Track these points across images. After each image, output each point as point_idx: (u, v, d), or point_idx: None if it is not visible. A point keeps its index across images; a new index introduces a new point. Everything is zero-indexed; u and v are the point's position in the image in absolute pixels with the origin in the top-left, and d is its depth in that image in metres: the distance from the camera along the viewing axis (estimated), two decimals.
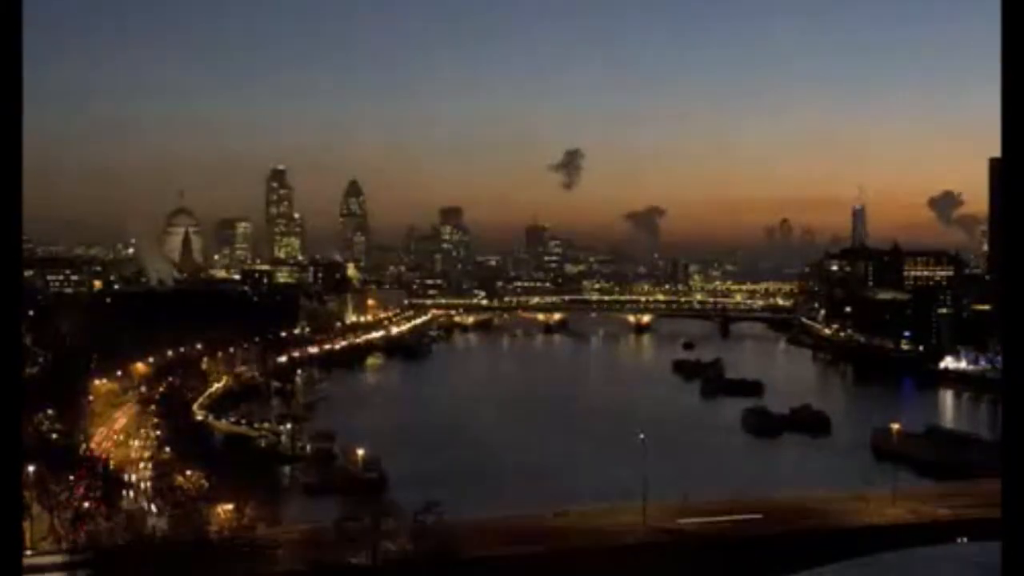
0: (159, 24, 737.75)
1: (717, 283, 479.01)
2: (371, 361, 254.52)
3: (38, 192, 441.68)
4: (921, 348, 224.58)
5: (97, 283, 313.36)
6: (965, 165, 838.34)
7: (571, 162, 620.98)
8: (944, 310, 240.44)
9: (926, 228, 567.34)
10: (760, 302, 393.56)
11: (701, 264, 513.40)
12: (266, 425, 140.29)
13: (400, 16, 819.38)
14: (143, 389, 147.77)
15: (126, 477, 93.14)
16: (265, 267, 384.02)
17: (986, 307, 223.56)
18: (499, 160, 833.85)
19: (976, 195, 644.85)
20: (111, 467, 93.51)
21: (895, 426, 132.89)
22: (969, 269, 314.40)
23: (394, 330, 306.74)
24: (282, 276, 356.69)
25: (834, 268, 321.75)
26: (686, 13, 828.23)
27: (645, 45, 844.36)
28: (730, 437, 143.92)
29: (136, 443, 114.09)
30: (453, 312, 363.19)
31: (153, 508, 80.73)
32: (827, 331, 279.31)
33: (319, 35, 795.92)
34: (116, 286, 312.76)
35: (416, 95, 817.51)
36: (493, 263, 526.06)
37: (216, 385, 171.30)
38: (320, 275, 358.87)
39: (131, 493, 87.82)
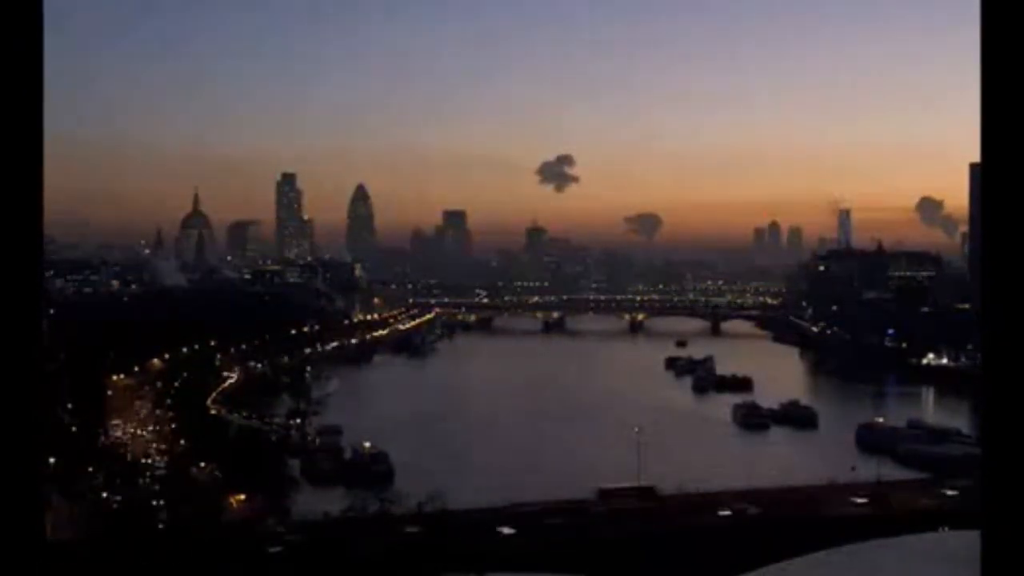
0: (170, 28, 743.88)
1: (709, 283, 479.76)
2: (377, 358, 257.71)
3: (57, 195, 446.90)
4: (904, 346, 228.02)
5: (115, 283, 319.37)
6: (947, 170, 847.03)
7: (562, 165, 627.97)
8: (926, 309, 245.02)
9: (909, 230, 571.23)
10: (750, 301, 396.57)
11: (693, 264, 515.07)
12: (276, 419, 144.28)
13: (404, 22, 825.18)
14: (159, 384, 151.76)
15: (142, 468, 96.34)
16: (276, 267, 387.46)
17: (966, 306, 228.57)
18: (500, 164, 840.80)
19: (957, 198, 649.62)
20: (128, 459, 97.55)
21: (879, 420, 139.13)
22: (950, 269, 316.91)
23: (399, 328, 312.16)
24: (292, 276, 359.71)
25: (821, 268, 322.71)
26: (679, 19, 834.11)
27: (640, 49, 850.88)
28: (721, 430, 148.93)
29: (152, 436, 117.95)
30: (455, 311, 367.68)
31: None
32: (814, 329, 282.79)
33: (325, 41, 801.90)
34: (133, 286, 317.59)
35: (419, 101, 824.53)
36: (494, 263, 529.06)
37: (229, 381, 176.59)
38: (328, 275, 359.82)
39: (147, 484, 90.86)
